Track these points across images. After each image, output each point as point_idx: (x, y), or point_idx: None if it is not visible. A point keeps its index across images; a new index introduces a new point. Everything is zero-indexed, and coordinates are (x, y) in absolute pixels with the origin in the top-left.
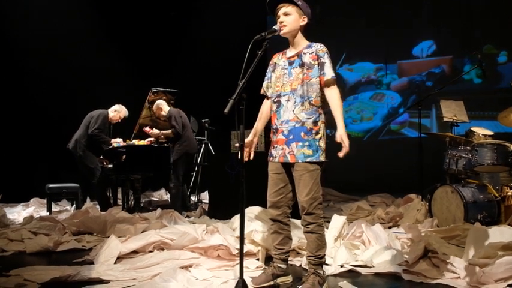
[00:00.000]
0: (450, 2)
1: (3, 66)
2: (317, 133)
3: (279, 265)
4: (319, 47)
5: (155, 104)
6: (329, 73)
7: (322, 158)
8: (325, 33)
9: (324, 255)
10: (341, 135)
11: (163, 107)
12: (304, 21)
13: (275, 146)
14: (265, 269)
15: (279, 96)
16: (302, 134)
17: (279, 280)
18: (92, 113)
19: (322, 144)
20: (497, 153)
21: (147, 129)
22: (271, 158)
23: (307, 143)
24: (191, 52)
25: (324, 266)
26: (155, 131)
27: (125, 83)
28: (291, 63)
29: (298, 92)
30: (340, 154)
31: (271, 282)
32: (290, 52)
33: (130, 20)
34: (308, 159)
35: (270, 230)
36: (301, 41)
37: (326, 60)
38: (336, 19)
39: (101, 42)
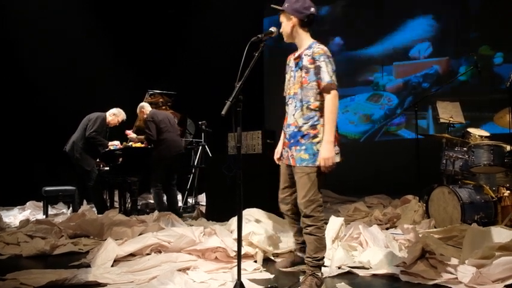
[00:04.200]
0: (446, 3)
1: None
2: (315, 137)
3: (298, 254)
4: (316, 49)
5: (138, 107)
6: (325, 78)
7: (318, 163)
8: (323, 33)
9: (323, 257)
10: (321, 158)
11: (144, 109)
12: (292, 20)
13: (284, 147)
14: (287, 256)
15: (288, 99)
16: (299, 138)
17: (301, 267)
18: (89, 115)
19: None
20: (493, 154)
21: (127, 131)
22: (282, 158)
23: (303, 147)
24: (188, 54)
25: (322, 267)
26: (133, 135)
27: (122, 85)
28: (296, 65)
29: (298, 97)
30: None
31: (292, 268)
32: (297, 53)
33: (128, 20)
34: (304, 164)
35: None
36: (303, 41)
37: (322, 63)
38: (334, 20)
39: (99, 43)
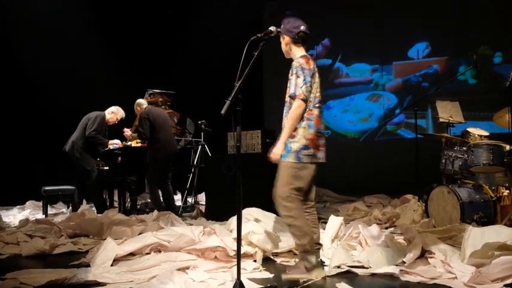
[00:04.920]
0: (445, 3)
1: None
2: (293, 137)
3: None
4: (294, 62)
5: (135, 103)
6: (290, 89)
7: (290, 159)
8: (321, 34)
9: (307, 244)
10: (271, 151)
11: (140, 106)
12: (285, 39)
13: None
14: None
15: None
16: None
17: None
18: (89, 114)
19: (294, 146)
20: (492, 154)
21: (125, 129)
22: None
23: (286, 146)
24: (188, 54)
25: (311, 255)
26: (128, 132)
27: (122, 85)
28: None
29: (287, 104)
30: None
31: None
32: None
33: (128, 19)
34: (282, 158)
35: None
36: (296, 56)
37: (293, 76)
38: (332, 20)
39: (98, 43)
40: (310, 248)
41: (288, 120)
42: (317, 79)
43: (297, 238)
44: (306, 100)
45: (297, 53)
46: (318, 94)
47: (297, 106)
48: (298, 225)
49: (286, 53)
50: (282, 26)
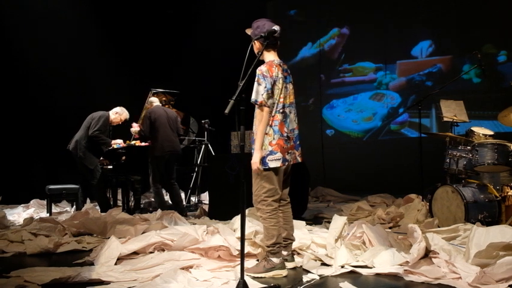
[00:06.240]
0: (449, 1)
1: (2, 68)
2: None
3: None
4: (257, 70)
5: (149, 101)
6: (252, 96)
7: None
8: (322, 33)
9: (272, 245)
10: (252, 163)
11: (150, 104)
12: (256, 44)
13: None
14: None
15: None
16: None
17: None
18: (93, 114)
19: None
20: (497, 153)
21: (133, 124)
22: None
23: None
24: (191, 52)
25: (274, 256)
26: (136, 128)
27: (125, 84)
28: None
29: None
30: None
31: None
32: None
33: (130, 20)
34: None
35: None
36: (266, 61)
37: (255, 83)
38: (335, 19)
39: (100, 43)
40: (272, 249)
41: (257, 127)
42: (281, 85)
43: (266, 238)
44: (268, 106)
45: (267, 57)
46: (281, 100)
47: (259, 112)
48: (267, 227)
49: (261, 57)
50: (250, 31)
